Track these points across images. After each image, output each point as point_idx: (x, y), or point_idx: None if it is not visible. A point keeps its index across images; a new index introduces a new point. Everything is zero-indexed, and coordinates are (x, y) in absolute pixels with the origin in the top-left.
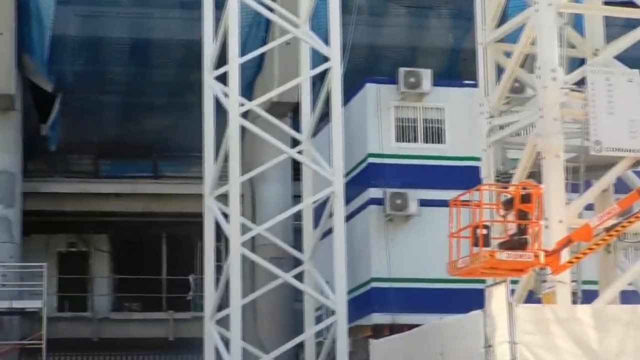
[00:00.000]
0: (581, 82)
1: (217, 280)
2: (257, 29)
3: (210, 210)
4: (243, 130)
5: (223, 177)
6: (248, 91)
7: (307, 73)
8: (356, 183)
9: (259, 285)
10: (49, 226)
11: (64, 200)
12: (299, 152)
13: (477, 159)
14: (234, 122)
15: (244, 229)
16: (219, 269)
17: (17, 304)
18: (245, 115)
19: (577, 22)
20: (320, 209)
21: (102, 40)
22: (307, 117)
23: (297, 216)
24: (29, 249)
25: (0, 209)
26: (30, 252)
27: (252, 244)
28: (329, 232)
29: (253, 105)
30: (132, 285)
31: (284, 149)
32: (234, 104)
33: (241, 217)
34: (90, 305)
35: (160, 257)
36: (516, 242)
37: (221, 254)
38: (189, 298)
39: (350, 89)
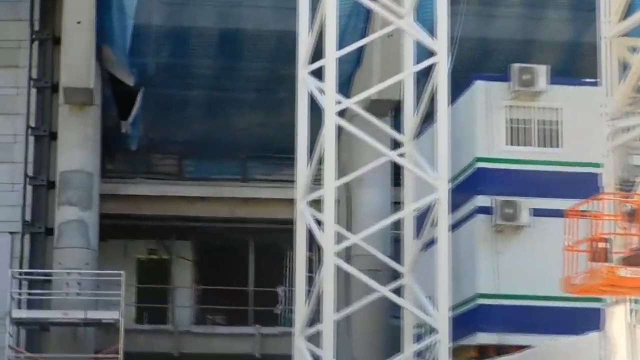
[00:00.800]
0: None
1: (308, 293)
2: (357, 20)
3: (303, 217)
4: (339, 130)
5: (317, 180)
6: (345, 87)
7: (410, 68)
8: (462, 190)
9: (354, 299)
10: (128, 231)
11: (144, 203)
12: (400, 155)
13: (597, 165)
14: (330, 121)
15: (339, 238)
16: (310, 281)
17: (92, 315)
18: (342, 113)
19: None
20: (422, 218)
21: (188, 31)
22: (410, 117)
23: (397, 225)
24: (106, 256)
25: (76, 212)
26: (107, 259)
27: (347, 255)
28: (431, 243)
29: (351, 103)
30: (217, 296)
31: (383, 151)
32: (330, 101)
33: (336, 225)
34: (170, 318)
35: (247, 267)
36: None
37: (313, 265)
38: (278, 312)
39: (458, 87)
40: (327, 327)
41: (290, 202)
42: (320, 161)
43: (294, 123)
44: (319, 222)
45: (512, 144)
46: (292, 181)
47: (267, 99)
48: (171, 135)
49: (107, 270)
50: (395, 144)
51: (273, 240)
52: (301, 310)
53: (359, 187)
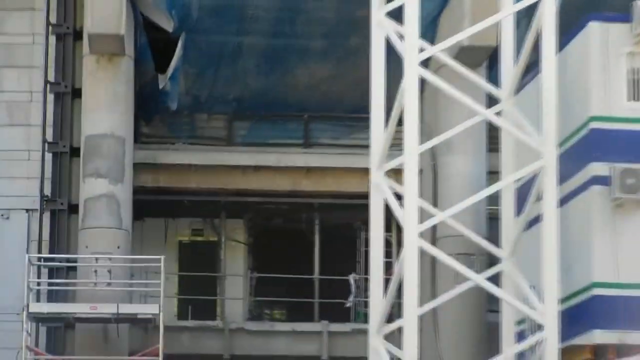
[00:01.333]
0: None
1: (386, 282)
2: None
3: (379, 190)
4: (423, 83)
5: (396, 146)
6: (430, 31)
7: (509, 8)
8: (574, 156)
9: (442, 289)
10: (167, 208)
11: (187, 174)
12: (497, 114)
13: None
14: (412, 72)
15: (423, 215)
16: (388, 267)
17: (126, 309)
18: (425, 63)
19: None
20: (524, 190)
21: None
22: (509, 68)
23: (493, 199)
24: (142, 238)
25: (106, 185)
26: (144, 242)
27: (433, 236)
28: (535, 220)
29: (437, 50)
30: (275, 286)
31: (477, 109)
32: (412, 48)
33: (419, 200)
34: (220, 312)
35: (312, 251)
36: None
37: (392, 248)
38: (349, 305)
39: (568, 30)
40: (410, 323)
41: (364, 172)
42: (400, 122)
43: (368, 76)
44: (398, 197)
45: (635, 100)
46: (366, 146)
47: (336, 46)
48: (220, 92)
49: (144, 256)
50: (491, 101)
51: (343, 219)
52: (378, 303)
53: (447, 154)
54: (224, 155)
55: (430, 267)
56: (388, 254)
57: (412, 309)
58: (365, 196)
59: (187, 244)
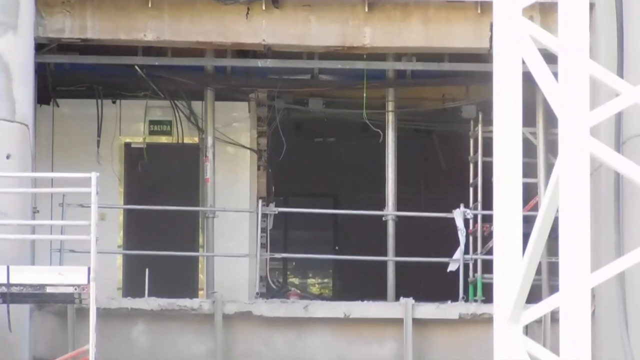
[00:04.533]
0: None
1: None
2: None
3: (511, 43)
4: None
5: None
6: None
7: None
8: None
9: (634, 239)
10: (102, 79)
11: (140, 13)
12: None
13: None
14: None
15: (598, 93)
16: (529, 195)
17: (25, 276)
18: None
19: None
20: None
21: None
22: None
23: None
24: (54, 138)
25: None
26: (58, 146)
27: (618, 135)
28: None
29: None
30: (307, 230)
31: None
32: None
33: (592, 63)
34: (206, 284)
35: (383, 161)
36: None
37: (535, 159)
38: (454, 268)
39: None
40: (575, 301)
41: (478, 11)
42: None
43: None
44: (549, 58)
45: None
46: None
47: None
48: None
49: (58, 172)
50: None
51: (436, 97)
52: (511, 267)
53: None
54: None
55: (613, 195)
56: (529, 168)
57: (578, 276)
58: (481, 56)
59: (138, 149)
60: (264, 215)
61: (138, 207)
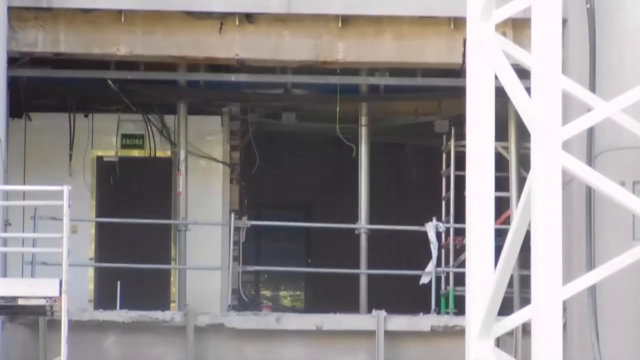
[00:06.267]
0: None
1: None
2: None
3: (483, 57)
4: None
5: None
6: None
7: None
8: None
9: (604, 252)
10: (74, 93)
11: (113, 26)
12: None
13: None
14: None
15: (570, 108)
16: (501, 208)
17: None
18: None
19: None
20: None
21: None
22: None
23: None
24: (26, 150)
25: None
26: (29, 158)
27: (590, 149)
28: None
29: None
30: (282, 241)
31: None
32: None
33: (564, 78)
34: (178, 296)
35: (355, 175)
36: None
37: (507, 172)
38: (426, 281)
39: None
40: (547, 313)
41: (453, 24)
42: None
43: None
44: (520, 72)
45: None
46: None
47: None
48: None
49: (30, 185)
50: None
51: (410, 111)
52: (482, 279)
53: None
54: None
55: (585, 208)
56: (501, 182)
57: (549, 289)
58: (453, 71)
59: (110, 163)
60: (237, 228)
61: (110, 220)
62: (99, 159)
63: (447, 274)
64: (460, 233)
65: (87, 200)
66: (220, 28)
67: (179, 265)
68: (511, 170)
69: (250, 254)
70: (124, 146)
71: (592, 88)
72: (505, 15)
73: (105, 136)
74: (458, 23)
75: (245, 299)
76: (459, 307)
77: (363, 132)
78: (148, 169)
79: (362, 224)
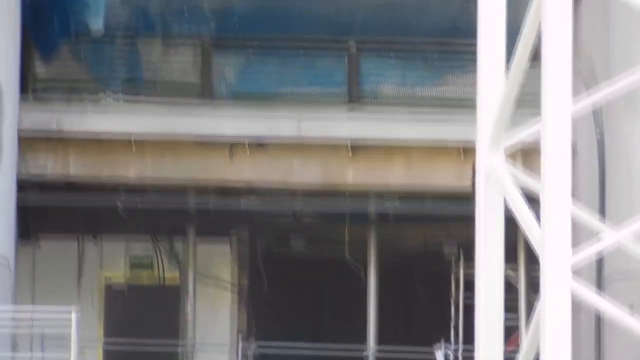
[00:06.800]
0: None
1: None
2: None
3: (493, 184)
4: None
5: (524, 105)
6: None
7: None
8: None
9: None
10: (84, 217)
11: (123, 153)
12: None
13: None
14: None
15: (579, 234)
16: (509, 332)
17: None
18: None
19: None
20: None
21: None
22: None
23: None
24: (34, 274)
25: None
26: (38, 282)
27: (599, 273)
28: None
29: None
30: None
31: None
32: None
33: (573, 204)
34: None
35: (363, 298)
36: None
37: (516, 295)
38: None
39: None
40: None
41: (464, 152)
42: (535, 57)
43: None
44: (529, 198)
45: None
46: (468, 104)
47: None
48: None
49: (40, 306)
50: None
51: (421, 238)
52: None
53: (628, 118)
54: (192, 120)
55: (594, 330)
56: (511, 305)
57: None
58: (464, 196)
59: (119, 289)
60: (245, 353)
61: (118, 342)
62: (107, 286)
63: None
64: (469, 356)
65: (94, 323)
66: (230, 153)
67: None
68: (520, 294)
69: None
70: (132, 267)
71: (602, 212)
72: (515, 142)
73: (113, 259)
74: (468, 151)
75: None
76: None
77: (372, 256)
78: (156, 295)
79: (371, 347)
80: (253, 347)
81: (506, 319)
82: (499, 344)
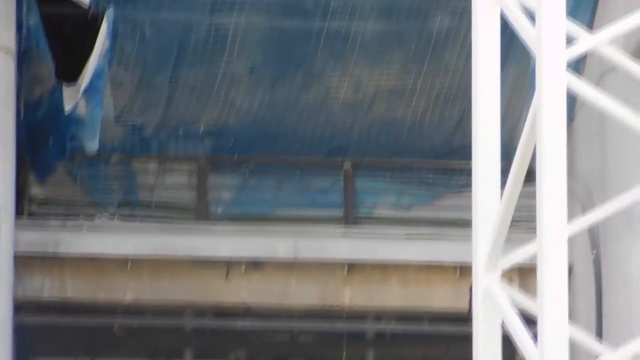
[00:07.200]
0: None
1: None
2: None
3: (490, 305)
4: (572, 103)
5: (518, 224)
6: (585, 11)
7: None
8: None
9: None
10: (81, 341)
11: (120, 275)
12: None
13: None
14: (554, 82)
15: (577, 353)
16: None
17: None
18: (578, 67)
19: None
20: None
21: None
22: None
23: None
24: None
25: None
26: None
27: None
28: None
29: (601, 42)
30: None
31: None
32: (554, 37)
33: (570, 324)
34: None
35: None
36: None
37: None
38: None
39: None
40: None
41: (460, 272)
42: (529, 177)
43: (464, 87)
44: (527, 319)
45: None
46: (463, 224)
47: (404, 33)
48: (181, 118)
49: None
50: None
51: (420, 356)
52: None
53: (625, 235)
54: (189, 240)
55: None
56: None
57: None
58: (460, 317)
59: None
60: None
61: None
62: None
63: None
64: None
65: None
66: (227, 274)
67: None
68: None
69: None
70: None
71: (599, 334)
72: (511, 263)
73: None
74: (464, 270)
75: None
76: None
77: None
78: None
79: None
80: None
81: None
82: None
